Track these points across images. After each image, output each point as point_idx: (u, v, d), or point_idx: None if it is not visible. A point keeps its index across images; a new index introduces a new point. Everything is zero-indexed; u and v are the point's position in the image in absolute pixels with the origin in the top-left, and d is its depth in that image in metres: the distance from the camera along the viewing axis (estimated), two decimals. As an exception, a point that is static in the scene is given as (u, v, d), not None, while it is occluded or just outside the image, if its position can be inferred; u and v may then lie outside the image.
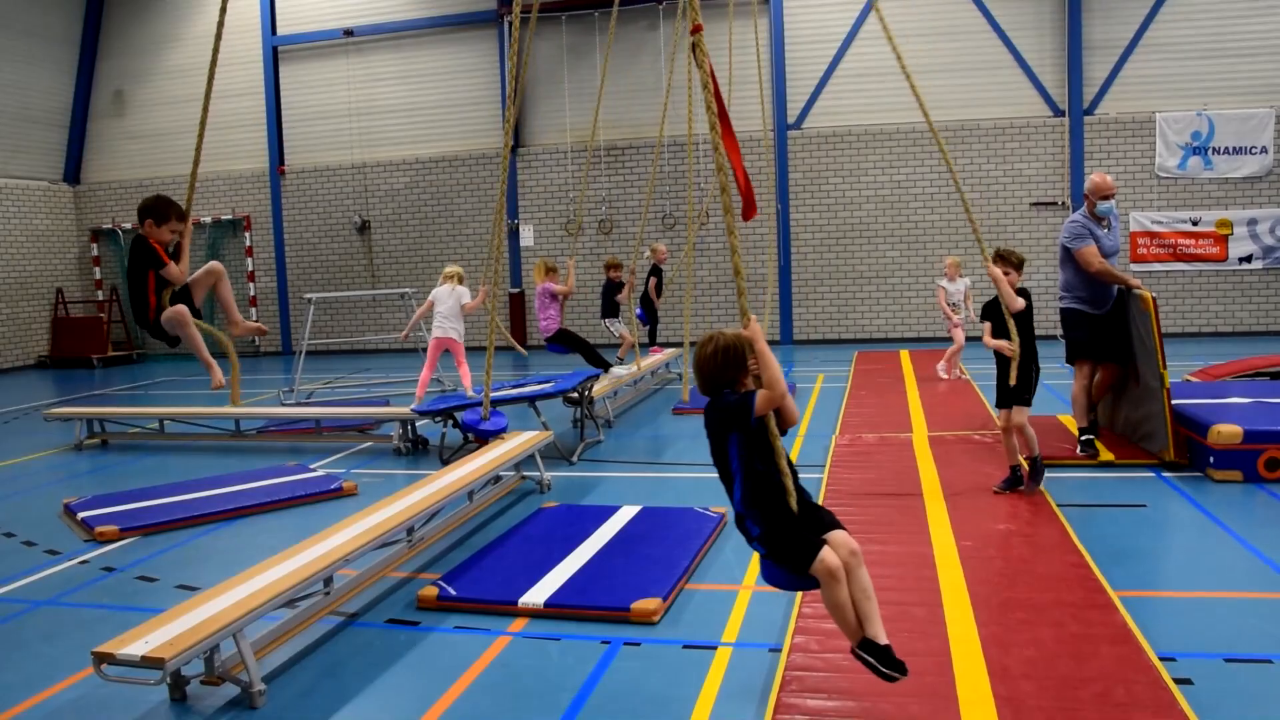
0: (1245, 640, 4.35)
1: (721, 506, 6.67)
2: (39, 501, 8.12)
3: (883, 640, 3.52)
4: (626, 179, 18.69)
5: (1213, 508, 6.46)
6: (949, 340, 12.16)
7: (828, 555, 3.48)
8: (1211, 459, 7.10)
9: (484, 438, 7.43)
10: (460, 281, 10.63)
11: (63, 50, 20.71)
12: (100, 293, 21.38)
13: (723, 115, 3.84)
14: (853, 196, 17.93)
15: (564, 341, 11.01)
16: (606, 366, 11.19)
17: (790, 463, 3.61)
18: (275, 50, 20.19)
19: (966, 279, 12.58)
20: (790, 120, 17.99)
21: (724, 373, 3.63)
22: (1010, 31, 17.08)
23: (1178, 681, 3.80)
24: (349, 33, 19.59)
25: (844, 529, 3.63)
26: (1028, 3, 17.07)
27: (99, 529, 6.81)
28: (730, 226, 3.75)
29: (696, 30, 3.85)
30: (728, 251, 17.21)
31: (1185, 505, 6.59)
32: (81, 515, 7.15)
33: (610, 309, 12.86)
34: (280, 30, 20.13)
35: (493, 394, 9.16)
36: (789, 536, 3.55)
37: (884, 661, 3.48)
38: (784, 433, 3.64)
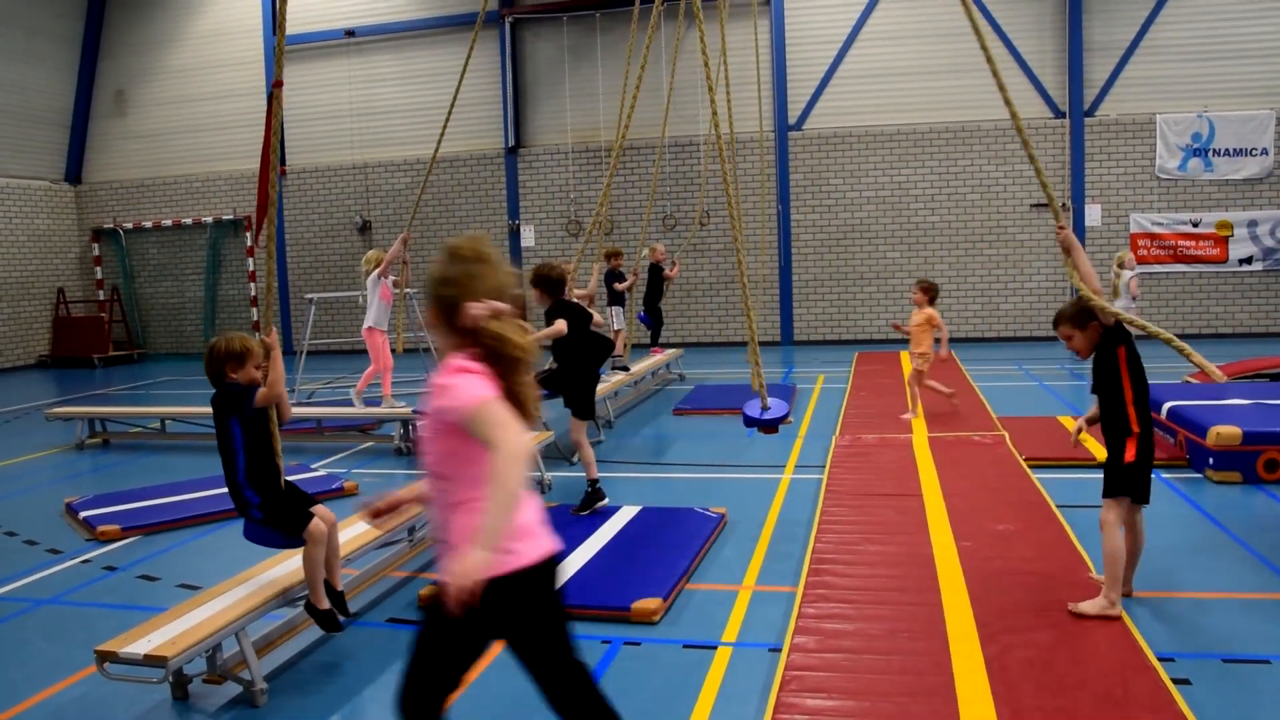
0: (1243, 641, 4.36)
1: (721, 507, 6.69)
2: (41, 501, 8.14)
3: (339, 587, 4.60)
4: (628, 179, 18.70)
5: (1211, 509, 6.47)
6: (949, 341, 12.17)
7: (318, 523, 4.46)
8: (1210, 460, 7.12)
9: (770, 426, 6.65)
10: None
11: (64, 50, 20.73)
12: (101, 292, 21.40)
13: None
14: (853, 198, 17.94)
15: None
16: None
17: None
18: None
19: (1131, 270, 12.67)
20: (791, 121, 18.00)
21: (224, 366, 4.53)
22: (1011, 33, 17.09)
23: (1176, 682, 3.82)
24: (350, 33, 19.60)
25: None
26: (1029, 4, 17.08)
27: (101, 528, 6.83)
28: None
29: (278, 85, 4.62)
30: (728, 252, 17.23)
31: (1184, 506, 6.60)
32: (83, 514, 7.16)
33: (613, 297, 12.89)
34: (282, 30, 20.13)
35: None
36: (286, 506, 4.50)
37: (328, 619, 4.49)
38: (282, 424, 4.69)
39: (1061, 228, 5.03)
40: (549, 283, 6.93)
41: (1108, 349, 4.59)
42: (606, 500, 6.87)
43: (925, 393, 9.82)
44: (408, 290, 15.49)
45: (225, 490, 7.71)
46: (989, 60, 5.55)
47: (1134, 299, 12.98)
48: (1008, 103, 5.52)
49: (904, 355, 14.52)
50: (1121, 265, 13.21)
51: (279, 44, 4.64)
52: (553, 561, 2.79)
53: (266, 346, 4.61)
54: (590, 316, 7.22)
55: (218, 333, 20.72)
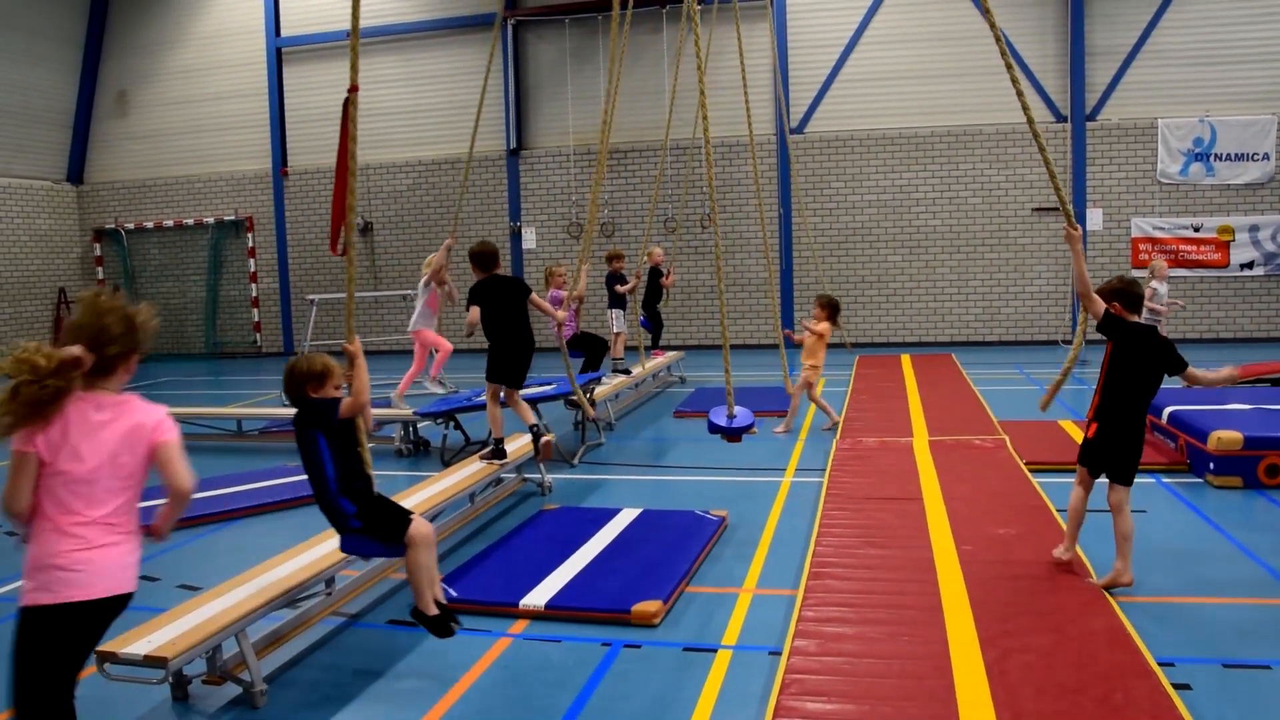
0: (1244, 646, 4.36)
1: (722, 510, 6.69)
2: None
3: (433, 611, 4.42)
4: (629, 182, 18.71)
5: (1212, 514, 6.47)
6: (950, 346, 12.23)
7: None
8: (1211, 465, 7.12)
9: (734, 435, 6.91)
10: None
11: (66, 50, 20.75)
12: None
13: None
14: (854, 201, 17.94)
15: (581, 346, 11.07)
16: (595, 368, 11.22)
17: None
18: (279, 52, 20.22)
19: (1158, 281, 12.59)
20: (793, 125, 18.01)
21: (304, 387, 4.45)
22: (1013, 38, 17.08)
23: (1176, 687, 3.82)
24: (353, 34, 19.58)
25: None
26: (1031, 9, 17.09)
27: (101, 528, 6.82)
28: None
29: (353, 90, 4.63)
30: (729, 255, 17.24)
31: (1185, 511, 6.60)
32: (84, 515, 7.16)
33: (614, 300, 12.90)
34: (284, 32, 20.16)
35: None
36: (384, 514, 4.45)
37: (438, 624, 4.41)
38: (369, 434, 4.64)
39: (1073, 228, 5.30)
40: (476, 258, 7.61)
41: (1109, 325, 5.03)
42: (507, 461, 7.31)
43: (799, 404, 10.07)
44: (408, 293, 15.48)
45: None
46: (1009, 66, 5.61)
47: (1152, 313, 12.52)
48: (1025, 108, 5.59)
49: (904, 359, 14.53)
50: (1152, 274, 12.89)
51: (353, 47, 4.56)
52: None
53: (350, 355, 4.45)
54: (519, 285, 7.63)
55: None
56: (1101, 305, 5.01)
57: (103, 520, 3.21)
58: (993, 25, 5.69)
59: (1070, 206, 5.65)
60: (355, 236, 4.74)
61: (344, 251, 4.87)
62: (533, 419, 7.56)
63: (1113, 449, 5.04)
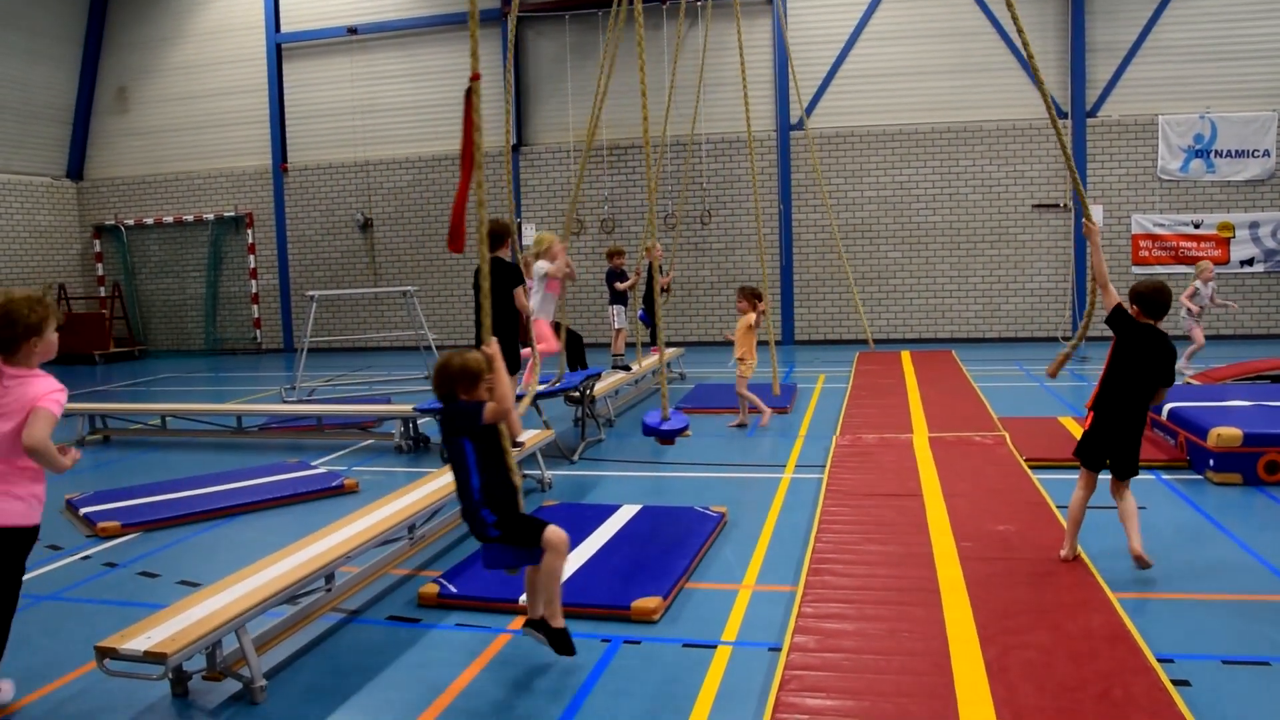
0: (1243, 642, 4.36)
1: (722, 506, 6.69)
2: (41, 497, 8.13)
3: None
4: (629, 178, 18.70)
5: (1212, 510, 6.47)
6: (950, 342, 12.23)
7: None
8: (1211, 462, 7.12)
9: (668, 438, 7.08)
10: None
11: (66, 46, 20.74)
12: (102, 289, 21.42)
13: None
14: (855, 197, 17.94)
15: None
16: (584, 366, 11.17)
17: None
18: (279, 47, 20.20)
19: (1203, 283, 12.53)
20: (793, 121, 18.00)
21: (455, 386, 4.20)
22: (1013, 33, 17.08)
23: (1176, 683, 3.82)
24: (352, 30, 19.60)
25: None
26: (1031, 5, 17.06)
27: (101, 524, 6.83)
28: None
29: (475, 78, 4.52)
30: (729, 251, 17.28)
31: (1184, 508, 6.60)
32: (84, 511, 7.17)
33: (615, 297, 12.88)
34: (284, 28, 20.15)
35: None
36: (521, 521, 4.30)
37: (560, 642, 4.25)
38: (514, 441, 4.38)
39: (1091, 222, 5.57)
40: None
41: (1117, 320, 5.17)
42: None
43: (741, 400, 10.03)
44: (408, 289, 15.50)
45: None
46: (1030, 57, 5.80)
47: (1189, 312, 12.48)
48: (1045, 99, 5.78)
49: (904, 355, 14.53)
50: (1197, 274, 12.84)
51: (473, 35, 4.53)
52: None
53: (488, 357, 4.15)
54: (516, 273, 7.62)
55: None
56: (1115, 297, 5.16)
57: None
58: (1015, 19, 5.74)
59: (1085, 201, 5.79)
60: (484, 232, 4.62)
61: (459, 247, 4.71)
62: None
63: (1110, 442, 5.20)
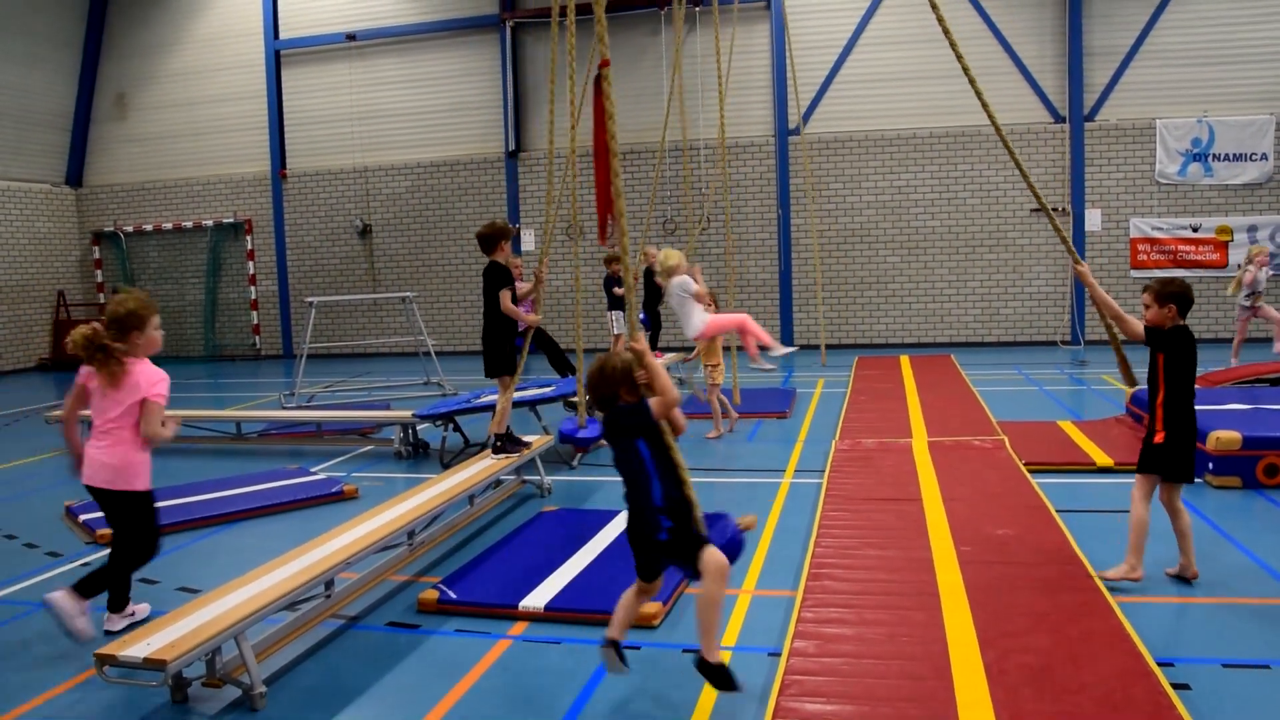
0: (1243, 646, 4.36)
1: (722, 511, 6.68)
2: (41, 504, 8.13)
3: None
4: (628, 184, 18.71)
5: (1211, 514, 6.47)
6: (949, 346, 12.23)
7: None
8: (1210, 465, 7.12)
9: (582, 446, 7.29)
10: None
11: (65, 53, 20.76)
12: (102, 295, 21.40)
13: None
14: (853, 202, 17.96)
15: (533, 342, 10.96)
16: (573, 371, 11.14)
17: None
18: (278, 54, 20.23)
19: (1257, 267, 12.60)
20: (791, 125, 18.02)
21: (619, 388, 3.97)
22: (1011, 38, 17.12)
23: (1176, 687, 3.82)
24: (351, 37, 19.63)
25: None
26: (1029, 9, 17.11)
27: (101, 531, 6.82)
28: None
29: (605, 64, 4.32)
30: (728, 256, 17.29)
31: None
32: (83, 518, 7.16)
33: (613, 302, 12.90)
34: (283, 34, 20.18)
35: (493, 398, 9.18)
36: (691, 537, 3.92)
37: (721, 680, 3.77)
38: (677, 436, 3.97)
39: (1079, 264, 5.52)
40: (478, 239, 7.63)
41: (1154, 347, 5.10)
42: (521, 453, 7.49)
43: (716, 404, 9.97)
44: (407, 295, 15.51)
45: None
46: (966, 69, 5.66)
47: (1248, 296, 12.69)
48: (985, 105, 5.60)
49: (903, 359, 14.53)
50: (1249, 260, 12.94)
51: (599, 19, 4.50)
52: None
53: (637, 353, 3.96)
54: (503, 270, 7.57)
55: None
56: (1138, 324, 5.11)
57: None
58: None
59: (1069, 244, 5.67)
60: (625, 223, 4.35)
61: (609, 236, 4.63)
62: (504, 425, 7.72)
63: (1182, 452, 5.11)
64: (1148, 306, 5.12)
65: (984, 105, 5.76)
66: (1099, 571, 5.07)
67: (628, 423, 3.94)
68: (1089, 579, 4.97)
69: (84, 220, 21.70)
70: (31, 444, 11.02)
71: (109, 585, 5.02)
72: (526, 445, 7.64)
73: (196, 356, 21.10)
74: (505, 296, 7.44)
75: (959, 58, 5.78)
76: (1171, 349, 5.04)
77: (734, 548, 4.21)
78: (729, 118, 16.70)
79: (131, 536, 5.10)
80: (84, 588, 4.81)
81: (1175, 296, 5.06)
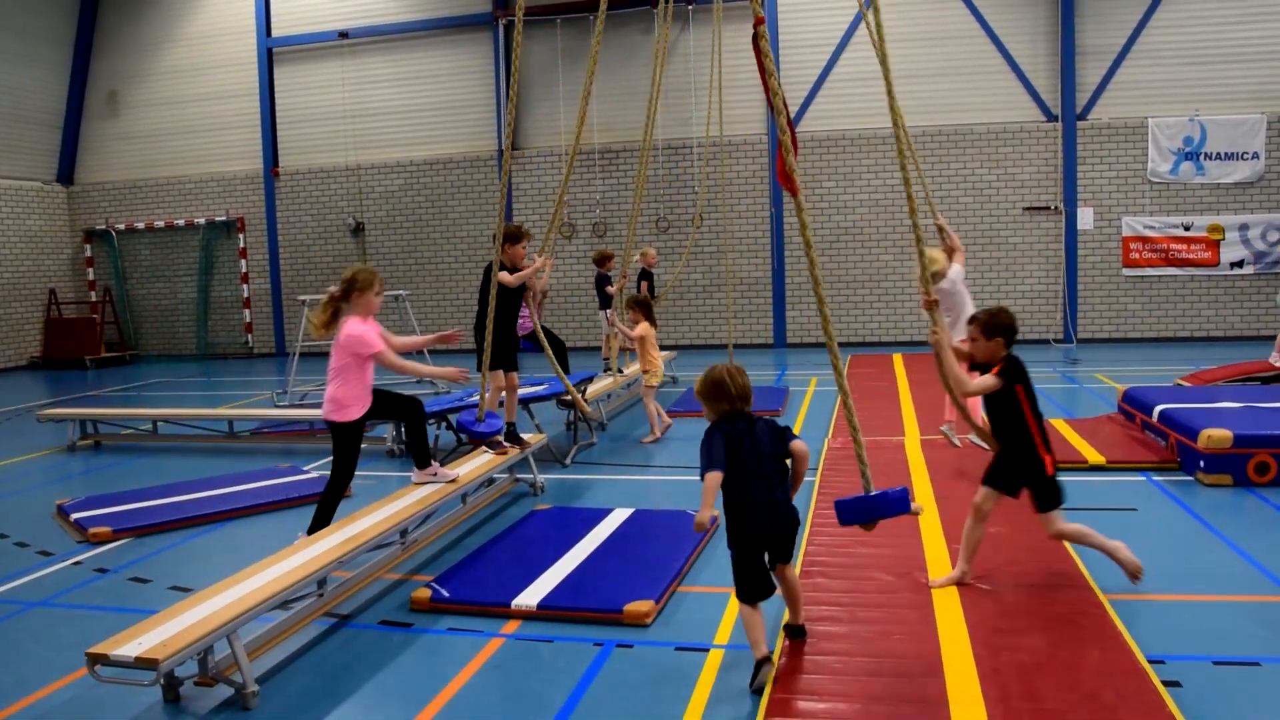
0: (1234, 643, 4.38)
1: (713, 510, 6.68)
2: (32, 502, 8.12)
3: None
4: (621, 182, 18.71)
5: (1202, 511, 6.50)
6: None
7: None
8: (1202, 463, 7.15)
9: (479, 439, 7.49)
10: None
11: (56, 50, 20.68)
12: (93, 293, 21.34)
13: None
14: (846, 200, 17.97)
15: (536, 341, 10.96)
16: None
17: None
18: (270, 52, 20.18)
19: None
20: (784, 124, 17.99)
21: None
22: (1004, 37, 17.14)
23: (1166, 684, 3.83)
24: (344, 35, 19.59)
25: None
26: (1021, 8, 17.13)
27: (92, 530, 6.81)
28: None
29: (760, 22, 4.35)
30: (721, 254, 17.29)
31: (1175, 509, 6.62)
32: (75, 516, 7.15)
33: (605, 301, 12.88)
34: (275, 32, 20.13)
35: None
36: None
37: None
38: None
39: (936, 332, 5.17)
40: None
41: (1008, 376, 4.89)
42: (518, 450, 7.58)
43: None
44: (400, 292, 15.48)
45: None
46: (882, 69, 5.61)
47: None
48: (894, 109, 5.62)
49: (896, 358, 14.55)
50: None
51: None
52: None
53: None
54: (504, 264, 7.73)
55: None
56: (985, 383, 4.89)
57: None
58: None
59: (936, 316, 5.28)
60: (801, 200, 4.51)
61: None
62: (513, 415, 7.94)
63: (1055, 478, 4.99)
64: (974, 339, 5.00)
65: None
66: (930, 582, 4.99)
67: (779, 435, 4.47)
68: (1080, 577, 4.99)
69: (75, 218, 21.62)
70: (23, 442, 10.99)
71: (320, 512, 5.86)
72: (505, 448, 7.61)
73: (189, 355, 21.05)
74: (505, 274, 7.57)
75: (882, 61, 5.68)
76: (1024, 378, 4.90)
77: None
78: (722, 115, 16.70)
79: (340, 464, 5.94)
80: (313, 529, 5.72)
81: (1004, 329, 4.94)
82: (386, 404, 6.30)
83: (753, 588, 4.13)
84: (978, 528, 5.02)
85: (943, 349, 5.05)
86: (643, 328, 9.97)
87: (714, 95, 13.74)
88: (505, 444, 7.58)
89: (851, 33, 17.63)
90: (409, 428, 6.56)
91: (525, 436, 7.97)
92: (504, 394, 7.88)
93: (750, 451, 4.30)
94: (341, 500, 6.01)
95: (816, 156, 17.96)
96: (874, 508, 4.32)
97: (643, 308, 10.25)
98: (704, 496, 4.17)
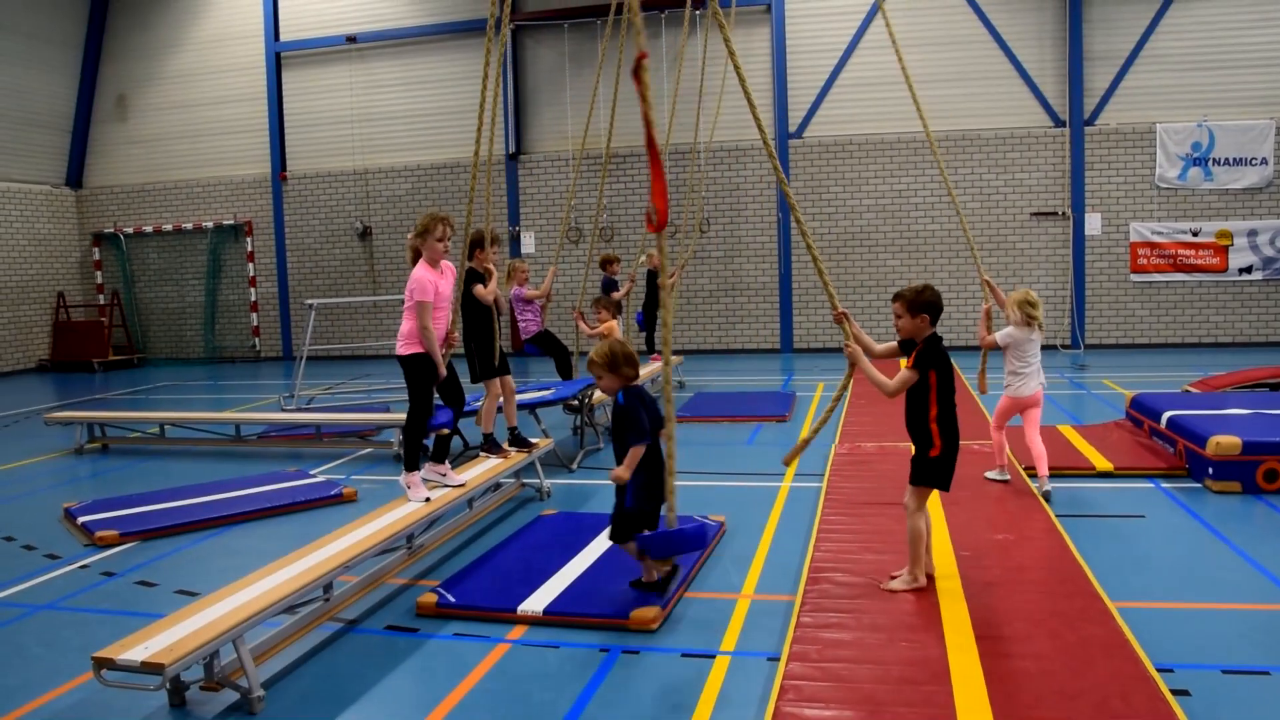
0: (1243, 651, 4.36)
1: (721, 515, 6.69)
2: (39, 506, 8.13)
3: None
4: (628, 186, 18.72)
5: (1211, 519, 6.47)
6: (949, 350, 12.14)
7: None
8: (1210, 470, 7.12)
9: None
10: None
11: (65, 54, 20.76)
12: (101, 297, 21.41)
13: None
14: (853, 205, 17.96)
15: (541, 344, 10.98)
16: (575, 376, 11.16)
17: None
18: (278, 56, 20.23)
19: None
20: (791, 129, 18.02)
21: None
22: (1011, 42, 17.13)
23: (1175, 693, 3.81)
24: (351, 39, 19.63)
25: None
26: (1029, 13, 17.12)
27: (99, 533, 6.82)
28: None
29: (643, 56, 4.48)
30: (726, 259, 17.30)
31: (1184, 516, 6.60)
32: (82, 520, 7.16)
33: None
34: (283, 36, 20.18)
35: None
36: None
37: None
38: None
39: (850, 347, 5.45)
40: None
41: (923, 364, 5.06)
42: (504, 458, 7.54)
43: None
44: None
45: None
46: None
47: None
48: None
49: (904, 363, 14.50)
50: None
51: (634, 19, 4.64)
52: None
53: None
54: (474, 274, 7.89)
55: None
56: (902, 379, 5.08)
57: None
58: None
59: (849, 331, 5.53)
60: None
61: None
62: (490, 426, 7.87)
63: (952, 463, 5.04)
64: (899, 316, 5.12)
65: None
66: (882, 584, 4.98)
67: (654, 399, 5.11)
68: (1088, 583, 4.96)
69: (84, 222, 21.70)
70: (31, 445, 11.01)
71: (406, 448, 6.51)
72: (506, 453, 7.63)
73: (196, 358, 21.10)
74: (477, 287, 7.63)
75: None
76: (939, 363, 5.01)
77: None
78: (728, 120, 16.71)
79: (412, 399, 6.52)
80: (409, 465, 6.40)
81: (929, 305, 5.05)
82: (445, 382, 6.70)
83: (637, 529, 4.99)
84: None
85: (858, 359, 5.36)
86: (607, 326, 10.11)
87: (720, 100, 13.73)
88: (500, 447, 7.61)
89: (858, 38, 17.63)
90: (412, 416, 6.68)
91: (534, 440, 7.98)
92: (501, 399, 7.87)
93: (654, 418, 5.01)
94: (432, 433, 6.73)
95: (824, 162, 17.96)
96: (671, 543, 4.85)
97: (611, 307, 10.51)
98: (631, 461, 4.88)
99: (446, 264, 6.83)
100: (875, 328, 17.94)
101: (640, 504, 4.96)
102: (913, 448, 5.15)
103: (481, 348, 7.64)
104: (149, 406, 14.35)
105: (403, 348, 6.59)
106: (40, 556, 6.63)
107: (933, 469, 5.00)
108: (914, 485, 5.07)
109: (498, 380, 7.71)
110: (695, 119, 13.68)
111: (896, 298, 5.13)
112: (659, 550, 4.89)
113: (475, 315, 7.64)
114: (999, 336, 7.17)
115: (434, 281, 6.58)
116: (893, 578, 5.03)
